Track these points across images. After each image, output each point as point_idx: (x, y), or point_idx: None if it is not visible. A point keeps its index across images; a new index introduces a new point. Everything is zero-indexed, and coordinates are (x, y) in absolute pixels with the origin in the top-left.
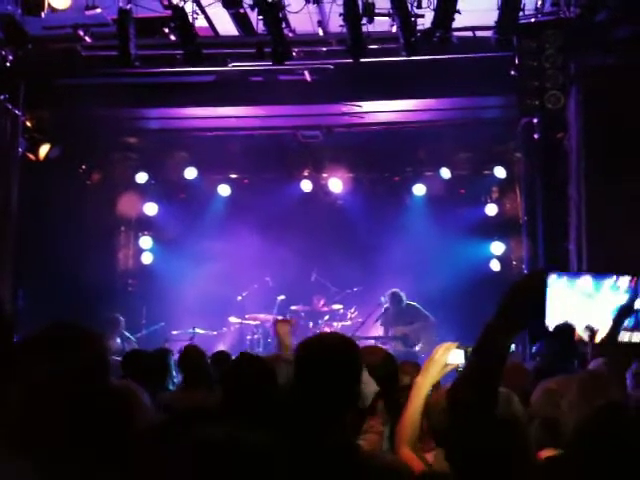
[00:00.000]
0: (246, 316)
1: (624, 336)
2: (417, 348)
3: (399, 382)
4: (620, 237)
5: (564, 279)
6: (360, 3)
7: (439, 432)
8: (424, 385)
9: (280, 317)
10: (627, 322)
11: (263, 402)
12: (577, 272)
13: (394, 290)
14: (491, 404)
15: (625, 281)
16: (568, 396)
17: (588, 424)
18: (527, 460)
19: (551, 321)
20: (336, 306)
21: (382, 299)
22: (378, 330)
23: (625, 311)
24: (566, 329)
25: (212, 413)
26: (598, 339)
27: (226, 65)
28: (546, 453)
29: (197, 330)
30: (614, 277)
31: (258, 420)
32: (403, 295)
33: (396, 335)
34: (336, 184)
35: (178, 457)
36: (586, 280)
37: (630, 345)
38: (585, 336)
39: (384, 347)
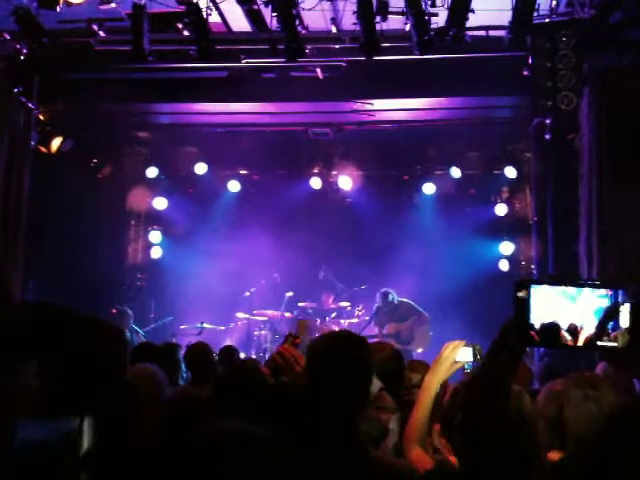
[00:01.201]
0: (254, 312)
1: (603, 342)
2: (411, 345)
3: (408, 380)
4: (631, 239)
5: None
6: (374, 1)
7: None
8: (433, 383)
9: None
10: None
11: (274, 399)
12: (557, 282)
13: (383, 290)
14: (503, 403)
15: (604, 290)
16: (569, 398)
17: (602, 426)
18: (536, 459)
19: (536, 322)
20: (344, 303)
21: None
22: (373, 329)
23: (611, 313)
24: (552, 328)
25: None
26: (581, 340)
27: (239, 61)
28: (552, 455)
29: (205, 325)
30: (592, 288)
31: (268, 417)
32: (393, 292)
33: (389, 333)
34: (346, 182)
35: (187, 451)
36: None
37: (608, 348)
38: (568, 336)
39: None
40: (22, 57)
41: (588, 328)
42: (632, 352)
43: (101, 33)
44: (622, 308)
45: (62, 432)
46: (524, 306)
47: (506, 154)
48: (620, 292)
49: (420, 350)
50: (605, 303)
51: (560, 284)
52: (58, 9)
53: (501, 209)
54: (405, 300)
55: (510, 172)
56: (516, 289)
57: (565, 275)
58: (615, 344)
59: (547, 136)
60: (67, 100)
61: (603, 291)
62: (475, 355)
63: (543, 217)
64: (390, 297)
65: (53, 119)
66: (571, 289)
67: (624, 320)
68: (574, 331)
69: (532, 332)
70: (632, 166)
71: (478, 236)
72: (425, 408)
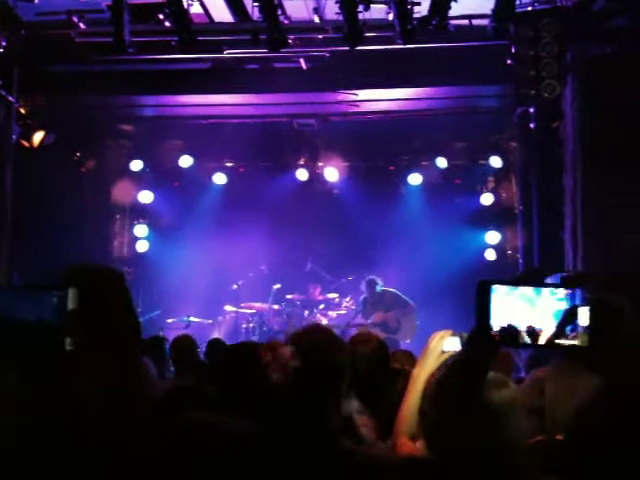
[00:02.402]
0: (241, 305)
1: (562, 341)
2: (398, 334)
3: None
4: (615, 227)
5: (505, 286)
6: None
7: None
8: (420, 376)
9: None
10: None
11: (254, 392)
12: (516, 283)
13: (370, 277)
14: (477, 394)
15: (562, 291)
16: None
17: (586, 407)
18: (514, 447)
19: (495, 324)
20: (331, 295)
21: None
22: (361, 319)
23: (569, 316)
24: (511, 332)
25: (202, 401)
26: (542, 341)
27: (221, 52)
28: (534, 442)
29: (192, 318)
30: (551, 288)
31: (248, 410)
32: (379, 281)
33: (375, 322)
34: (332, 173)
35: (166, 441)
36: (526, 288)
37: (568, 347)
38: (527, 338)
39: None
40: (1, 49)
41: (547, 331)
42: (592, 351)
43: (81, 25)
44: (580, 310)
45: (46, 304)
46: (486, 306)
47: (491, 144)
48: (578, 293)
49: (408, 340)
50: (563, 306)
51: (521, 285)
52: (36, 1)
53: (487, 199)
54: (390, 289)
55: (495, 162)
56: (478, 289)
57: (527, 276)
58: (574, 342)
59: (532, 125)
60: (48, 93)
61: (562, 294)
62: (463, 343)
63: (528, 206)
64: (376, 285)
65: (34, 112)
66: (530, 292)
67: (583, 320)
68: (533, 333)
69: (493, 334)
70: (615, 153)
71: (464, 226)
72: (413, 400)
